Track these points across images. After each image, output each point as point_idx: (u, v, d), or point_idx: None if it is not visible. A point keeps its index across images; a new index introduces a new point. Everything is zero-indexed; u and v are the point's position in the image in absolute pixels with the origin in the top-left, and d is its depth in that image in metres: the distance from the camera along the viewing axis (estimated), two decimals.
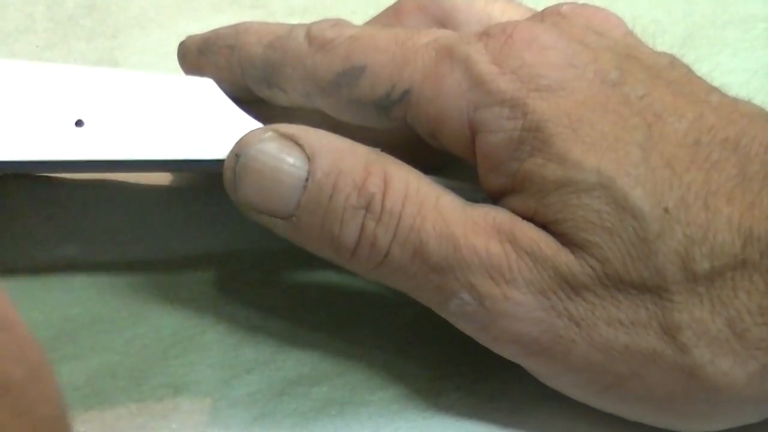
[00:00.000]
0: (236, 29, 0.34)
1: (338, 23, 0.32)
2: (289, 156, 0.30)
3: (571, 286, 0.28)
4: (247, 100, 0.34)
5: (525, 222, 0.29)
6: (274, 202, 0.30)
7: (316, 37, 0.32)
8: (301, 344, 0.31)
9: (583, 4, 0.32)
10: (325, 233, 0.30)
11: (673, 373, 0.27)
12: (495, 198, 0.30)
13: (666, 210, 0.27)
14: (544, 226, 0.28)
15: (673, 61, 0.30)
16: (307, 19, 0.42)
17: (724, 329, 0.27)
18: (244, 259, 0.35)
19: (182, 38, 0.43)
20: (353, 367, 0.32)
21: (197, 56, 0.35)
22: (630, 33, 0.31)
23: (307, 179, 0.29)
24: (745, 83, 0.43)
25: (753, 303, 0.26)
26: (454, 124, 0.30)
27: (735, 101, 0.30)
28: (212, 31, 0.35)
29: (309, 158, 0.30)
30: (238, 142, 0.30)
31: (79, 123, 0.31)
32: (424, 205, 0.29)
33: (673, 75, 0.30)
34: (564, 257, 0.28)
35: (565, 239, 0.28)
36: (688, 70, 0.30)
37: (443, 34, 0.31)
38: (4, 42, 0.45)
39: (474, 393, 0.30)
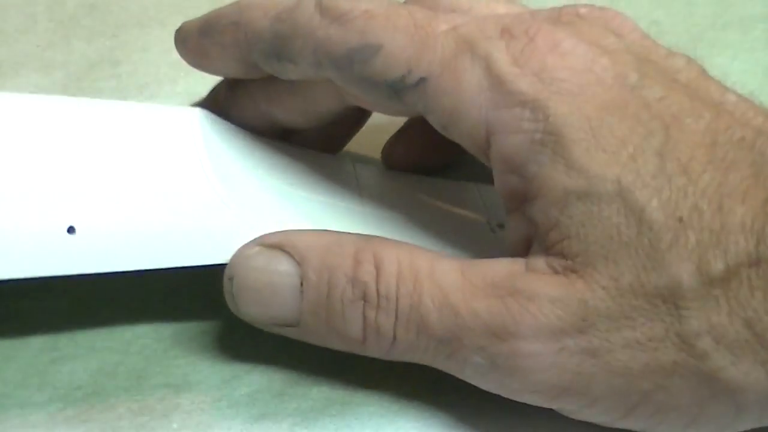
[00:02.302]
0: (239, 6, 0.34)
1: None
2: (279, 266, 0.30)
3: (584, 317, 0.28)
4: (255, 77, 0.34)
5: (527, 272, 0.29)
6: (277, 313, 0.30)
7: (329, 8, 0.31)
8: (301, 344, 0.31)
9: (601, 7, 0.32)
10: (333, 331, 0.30)
11: (695, 380, 0.27)
12: (512, 203, 0.30)
13: (680, 219, 0.27)
14: (563, 240, 0.28)
15: (689, 63, 0.30)
16: None
17: (743, 331, 0.26)
18: None
19: None
20: (353, 366, 0.32)
21: (199, 39, 0.35)
22: (645, 35, 0.31)
23: (302, 284, 0.30)
24: (745, 84, 0.43)
25: None
26: (469, 120, 0.30)
27: (750, 102, 0.30)
28: (212, 11, 0.35)
29: (299, 263, 0.30)
30: (228, 265, 0.31)
31: (71, 230, 0.30)
32: (418, 280, 0.29)
33: (689, 77, 0.30)
34: (573, 290, 0.28)
35: (581, 259, 0.28)
36: (702, 71, 0.30)
37: (463, 23, 0.30)
38: (5, 42, 0.45)
39: (474, 393, 0.30)
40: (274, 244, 0.30)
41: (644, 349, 0.27)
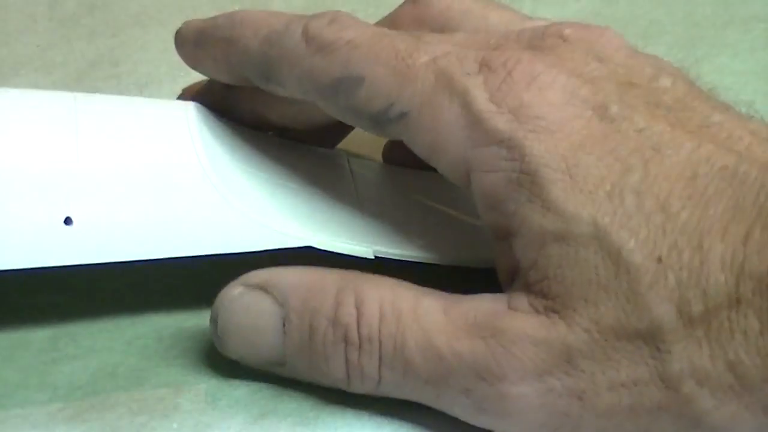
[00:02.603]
0: (232, 20, 0.34)
1: (336, 20, 0.32)
2: (262, 307, 0.30)
3: (568, 359, 0.27)
4: (248, 85, 0.34)
5: (509, 310, 0.28)
6: (262, 353, 0.31)
7: (313, 37, 0.32)
8: None
9: (586, 26, 0.31)
10: (317, 370, 0.30)
11: (682, 423, 0.27)
12: (496, 236, 0.30)
13: (659, 259, 0.27)
14: (542, 280, 0.28)
15: (675, 82, 0.30)
16: None
17: (726, 373, 0.26)
18: (245, 259, 0.35)
19: None
20: None
21: (194, 48, 0.35)
22: (632, 54, 0.31)
23: (284, 325, 0.30)
24: (744, 84, 0.43)
25: (750, 344, 0.26)
26: (449, 156, 0.30)
27: (739, 120, 0.29)
28: (208, 20, 0.35)
29: (281, 304, 0.30)
30: (213, 306, 0.31)
31: (68, 221, 0.30)
32: (401, 321, 0.29)
33: (675, 97, 0.29)
34: (556, 332, 0.27)
35: (561, 300, 0.28)
36: (690, 90, 0.30)
37: (443, 53, 0.30)
38: (6, 42, 0.45)
39: None
40: (257, 284, 0.30)
41: (629, 392, 0.27)
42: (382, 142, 0.38)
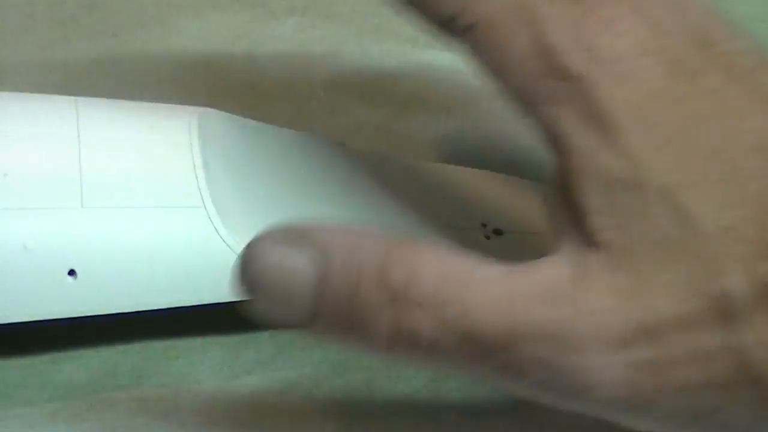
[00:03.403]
0: None
1: None
2: (298, 258, 0.27)
3: (647, 328, 0.26)
4: None
5: (582, 276, 0.26)
6: (295, 308, 0.27)
7: None
8: (301, 345, 0.31)
9: None
10: (353, 331, 0.27)
11: (754, 401, 0.26)
12: (555, 175, 0.28)
13: (726, 228, 0.26)
14: (607, 228, 0.26)
15: (751, 48, 0.29)
16: (307, 19, 0.42)
17: None
18: None
19: (182, 36, 0.43)
20: (353, 367, 0.32)
21: None
22: (709, 12, 0.30)
23: (320, 282, 0.27)
24: None
25: None
26: (516, 81, 0.28)
27: None
28: None
29: (323, 255, 0.27)
30: (243, 253, 0.27)
31: (72, 273, 0.30)
32: (462, 285, 0.26)
33: (750, 63, 0.28)
34: (637, 296, 0.26)
35: (628, 258, 0.26)
36: (762, 57, 0.29)
37: None
38: (5, 42, 0.45)
39: (474, 396, 0.30)
40: (298, 230, 0.28)
41: (703, 367, 0.26)
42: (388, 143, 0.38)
